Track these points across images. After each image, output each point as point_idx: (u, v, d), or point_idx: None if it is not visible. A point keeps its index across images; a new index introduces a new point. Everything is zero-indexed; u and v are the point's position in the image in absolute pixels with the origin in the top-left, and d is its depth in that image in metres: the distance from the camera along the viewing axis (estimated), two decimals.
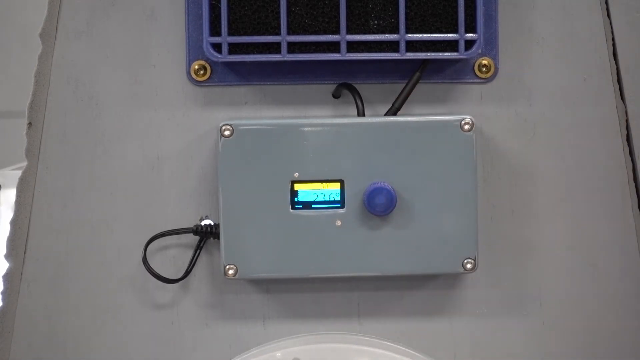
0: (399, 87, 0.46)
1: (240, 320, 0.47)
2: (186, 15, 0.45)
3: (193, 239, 0.46)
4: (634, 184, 0.47)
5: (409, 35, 0.42)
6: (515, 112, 0.47)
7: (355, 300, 0.48)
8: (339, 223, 0.43)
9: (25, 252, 0.46)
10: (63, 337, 0.47)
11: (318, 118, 0.44)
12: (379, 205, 0.40)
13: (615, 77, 0.48)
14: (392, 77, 0.47)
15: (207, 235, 0.45)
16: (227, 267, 0.42)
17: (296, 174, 0.42)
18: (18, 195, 0.45)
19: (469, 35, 0.43)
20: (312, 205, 0.42)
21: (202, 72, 0.46)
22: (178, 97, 0.46)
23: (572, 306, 0.48)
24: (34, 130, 0.45)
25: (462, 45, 0.43)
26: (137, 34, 0.45)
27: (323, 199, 0.42)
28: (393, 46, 0.42)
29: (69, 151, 0.46)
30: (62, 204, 0.46)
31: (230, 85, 0.47)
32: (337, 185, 0.42)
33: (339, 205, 0.42)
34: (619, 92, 0.47)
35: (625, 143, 0.47)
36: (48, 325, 0.46)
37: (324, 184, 0.42)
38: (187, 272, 0.45)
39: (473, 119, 0.42)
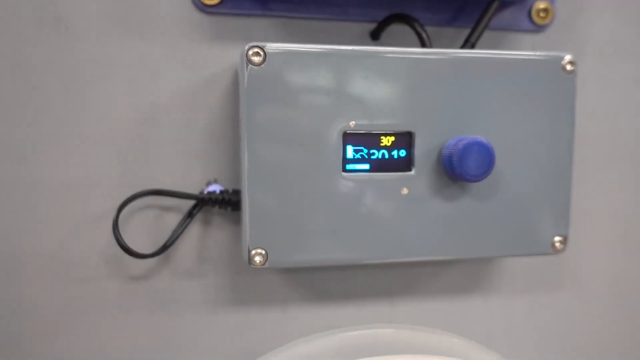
0: (445, 31, 0.35)
1: (249, 306, 0.34)
2: None
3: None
4: None
5: None
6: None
7: (387, 280, 0.35)
8: (405, 191, 0.30)
9: None
10: (22, 332, 0.32)
11: (382, 47, 0.30)
12: (475, 167, 0.26)
13: None
14: (441, 20, 0.35)
15: (213, 203, 0.32)
16: (254, 252, 0.28)
17: (352, 122, 0.29)
18: None
19: None
20: (367, 166, 0.30)
21: None
22: (180, 27, 0.32)
23: (611, 282, 0.39)
24: None
25: None
26: None
27: (385, 158, 0.30)
28: None
29: (28, 91, 0.31)
30: (16, 161, 0.31)
31: (247, 15, 0.34)
32: (403, 140, 0.30)
33: (406, 168, 0.30)
34: None
35: None
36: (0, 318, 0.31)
37: (387, 137, 0.30)
38: (166, 247, 0.31)
39: (576, 62, 0.31)
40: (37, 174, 0.30)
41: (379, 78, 0.27)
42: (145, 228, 0.32)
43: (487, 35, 0.33)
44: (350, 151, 0.27)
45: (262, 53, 0.26)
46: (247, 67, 0.26)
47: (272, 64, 0.26)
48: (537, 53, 0.29)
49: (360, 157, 0.28)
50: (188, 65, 0.31)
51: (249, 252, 0.27)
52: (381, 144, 0.28)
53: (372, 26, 0.33)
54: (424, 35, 0.30)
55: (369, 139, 0.28)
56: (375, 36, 0.33)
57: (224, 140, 0.32)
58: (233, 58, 0.32)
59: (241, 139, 0.27)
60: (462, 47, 0.31)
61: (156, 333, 0.33)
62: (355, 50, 0.27)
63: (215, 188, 0.32)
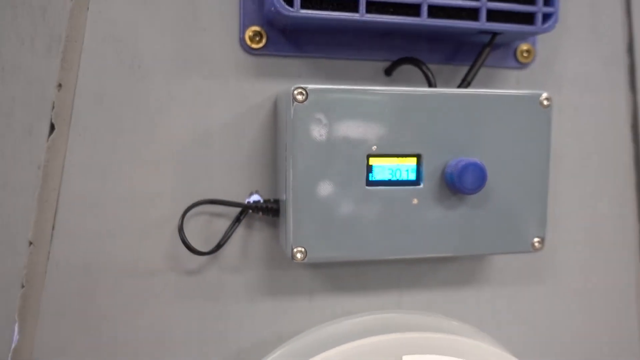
0: (450, 69, 0.42)
1: (283, 295, 0.40)
2: None
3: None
4: (634, 166, 0.45)
5: (490, 3, 0.38)
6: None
7: (396, 274, 0.42)
8: (415, 201, 0.37)
9: (53, 229, 0.37)
10: (97, 319, 0.38)
11: (398, 87, 0.37)
12: (471, 182, 0.33)
13: (629, 71, 0.46)
14: (441, 58, 0.42)
15: (256, 210, 0.38)
16: (296, 250, 0.35)
17: (374, 147, 0.36)
18: (45, 165, 0.37)
19: (547, 9, 0.39)
20: (386, 180, 0.36)
21: (257, 38, 0.39)
22: (229, 66, 0.39)
23: (581, 276, 0.46)
24: (64, 93, 0.37)
25: (539, 18, 0.39)
26: None
27: (400, 175, 0.37)
28: (471, 15, 0.38)
29: (107, 118, 0.37)
30: (97, 176, 0.38)
31: (284, 56, 0.40)
32: (413, 161, 0.37)
33: (415, 182, 0.37)
34: (630, 84, 0.46)
35: (631, 130, 0.45)
36: (79, 306, 0.37)
37: (401, 158, 0.37)
38: (219, 246, 0.37)
39: (551, 98, 0.38)
40: (115, 187, 0.36)
41: (395, 112, 0.34)
42: (199, 230, 0.38)
43: (480, 71, 0.40)
44: (372, 169, 0.34)
45: (304, 93, 0.32)
46: (292, 104, 0.32)
47: (312, 101, 0.33)
48: (520, 91, 0.36)
49: (380, 174, 0.34)
50: (235, 97, 0.38)
51: (292, 250, 0.33)
52: (397, 164, 0.34)
53: (385, 64, 0.40)
54: (429, 75, 0.37)
55: (387, 160, 0.34)
56: (388, 73, 0.40)
57: (263, 158, 0.38)
58: (272, 91, 0.38)
59: (286, 159, 0.33)
60: (460, 85, 0.38)
61: (206, 317, 0.39)
62: (376, 90, 0.34)
63: (256, 198, 0.38)
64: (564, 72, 0.44)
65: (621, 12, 0.44)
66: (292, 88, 0.32)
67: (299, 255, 0.33)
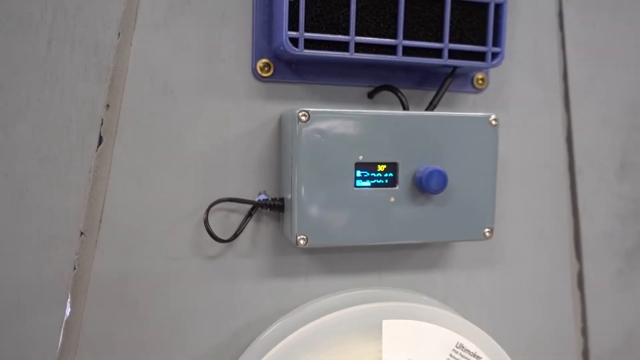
0: (419, 93, 0.51)
1: (278, 276, 0.48)
2: (253, 18, 0.46)
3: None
4: (569, 172, 0.56)
5: (451, 45, 0.47)
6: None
7: (377, 259, 0.50)
8: (392, 199, 0.46)
9: (100, 222, 0.45)
10: (136, 294, 0.45)
11: (379, 110, 0.46)
12: (436, 184, 0.44)
13: (564, 94, 0.57)
14: (413, 84, 0.52)
15: (264, 207, 0.47)
16: (299, 237, 0.44)
17: (360, 157, 0.45)
18: (95, 170, 0.45)
19: (494, 49, 0.48)
20: (370, 182, 0.45)
21: (266, 69, 0.48)
22: (243, 90, 0.48)
23: (526, 261, 0.55)
24: (111, 112, 0.45)
25: (489, 56, 0.48)
26: (209, 32, 0.46)
27: (380, 179, 0.46)
28: (436, 53, 0.47)
29: (144, 132, 0.46)
30: (136, 179, 0.46)
31: (287, 82, 0.49)
32: (391, 168, 0.46)
33: (392, 185, 0.46)
34: (565, 105, 0.57)
35: (566, 142, 0.55)
36: (120, 285, 0.44)
37: (381, 165, 0.46)
38: (235, 235, 0.46)
39: (498, 119, 0.48)
40: (150, 188, 0.45)
41: (376, 129, 0.43)
42: (217, 223, 0.46)
43: (443, 96, 0.49)
44: (359, 174, 0.43)
45: (307, 115, 0.41)
46: (297, 123, 0.41)
47: (313, 121, 0.42)
48: (473, 113, 0.45)
49: (365, 178, 0.43)
50: (247, 116, 0.46)
51: (297, 237, 0.42)
52: (378, 170, 0.43)
53: (369, 89, 0.49)
54: (403, 99, 0.46)
55: (371, 167, 0.43)
56: (370, 96, 0.49)
57: (270, 165, 0.47)
58: (277, 111, 0.47)
59: (292, 166, 0.42)
60: (427, 108, 0.47)
61: (222, 294, 0.47)
62: (361, 112, 0.43)
63: (264, 197, 0.47)
64: (512, 95, 0.53)
65: (557, 47, 0.54)
66: (297, 111, 0.41)
67: (301, 242, 0.42)
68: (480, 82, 0.52)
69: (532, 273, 0.55)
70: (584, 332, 0.57)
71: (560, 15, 0.54)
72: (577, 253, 0.57)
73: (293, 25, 0.42)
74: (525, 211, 0.54)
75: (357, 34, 0.43)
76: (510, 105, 0.53)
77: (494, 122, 0.46)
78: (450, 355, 0.45)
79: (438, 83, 0.49)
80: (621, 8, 0.56)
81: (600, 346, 0.58)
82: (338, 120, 0.42)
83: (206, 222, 0.44)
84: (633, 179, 0.57)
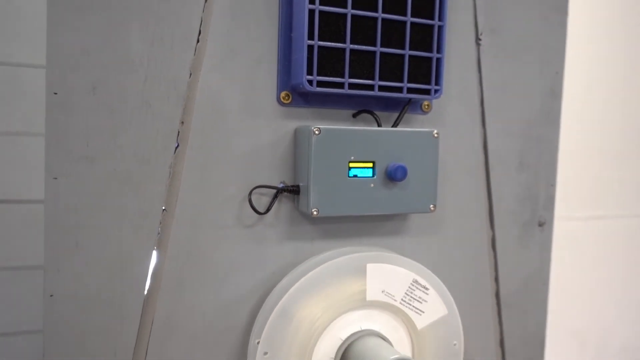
0: (388, 114, 0.75)
1: (294, 240, 0.71)
2: (278, 64, 0.67)
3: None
4: (485, 168, 0.81)
5: (408, 84, 0.70)
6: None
7: (360, 227, 0.72)
8: (372, 185, 0.68)
9: (176, 201, 0.64)
10: (198, 251, 0.64)
11: (364, 127, 0.69)
12: (400, 175, 0.67)
13: (481, 116, 0.82)
14: (386, 109, 0.75)
15: (286, 190, 0.69)
16: (313, 209, 0.65)
17: (352, 157, 0.67)
18: (173, 166, 0.64)
19: (436, 87, 0.72)
20: (358, 175, 0.68)
21: (286, 98, 0.70)
22: (271, 112, 0.69)
23: (457, 228, 0.81)
24: (185, 126, 0.65)
25: (433, 91, 0.72)
26: (249, 72, 0.67)
27: (364, 172, 0.68)
28: (398, 90, 0.71)
29: (206, 140, 0.65)
30: (200, 172, 0.66)
31: (300, 106, 0.71)
32: (371, 165, 0.69)
33: (371, 175, 0.69)
34: (482, 122, 0.82)
35: (483, 148, 0.81)
36: (189, 244, 0.64)
37: (365, 163, 0.68)
38: (268, 210, 0.67)
39: (439, 133, 0.72)
40: (209, 178, 0.65)
41: (362, 140, 0.66)
42: (254, 201, 0.68)
43: (404, 117, 0.73)
44: (351, 169, 0.66)
45: (319, 130, 0.63)
46: (312, 136, 0.63)
47: (323, 134, 0.64)
48: (422, 129, 0.69)
49: (355, 171, 0.66)
50: (273, 129, 0.68)
51: (311, 209, 0.64)
52: (363, 166, 0.66)
53: (354, 111, 0.72)
54: (378, 119, 0.69)
55: (358, 164, 0.66)
56: (354, 116, 0.72)
57: (287, 162, 0.68)
58: (293, 126, 0.69)
59: (309, 164, 0.64)
60: (393, 125, 0.70)
61: (255, 252, 0.68)
62: (353, 128, 0.65)
63: (282, 185, 0.68)
64: (447, 116, 0.78)
65: (477, 84, 0.79)
66: (312, 127, 0.63)
67: (314, 212, 0.64)
68: (426, 107, 0.76)
69: (461, 237, 0.80)
70: (496, 279, 0.82)
71: (479, 62, 0.78)
72: (491, 224, 0.82)
73: (309, 70, 0.63)
74: (456, 194, 0.79)
75: (350, 77, 0.65)
76: (446, 123, 0.77)
77: (435, 135, 0.69)
78: (409, 287, 0.68)
79: (400, 108, 0.73)
80: (519, 58, 0.81)
81: (507, 288, 0.83)
82: (338, 133, 0.64)
83: (250, 200, 0.65)
84: (526, 173, 0.83)
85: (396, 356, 0.60)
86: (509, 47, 0.79)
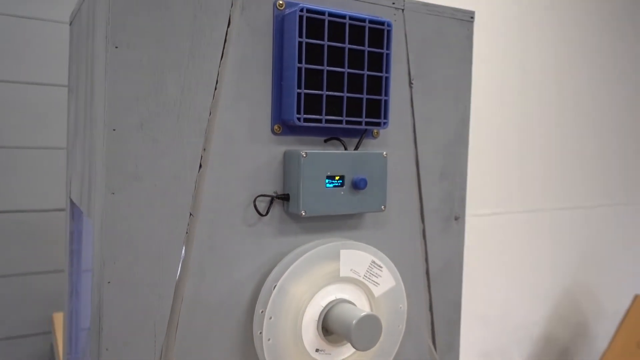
0: (349, 140, 1.00)
1: (285, 235, 0.94)
2: (272, 104, 0.91)
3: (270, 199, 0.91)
4: (417, 178, 1.10)
5: (366, 119, 0.96)
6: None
7: (331, 224, 0.99)
8: (342, 192, 0.93)
9: (199, 209, 0.85)
10: (215, 243, 0.86)
11: (336, 151, 0.93)
12: (363, 185, 0.92)
13: (414, 138, 1.10)
14: (348, 136, 1.00)
15: (278, 197, 0.91)
16: (302, 211, 0.88)
17: (328, 172, 0.91)
18: (197, 182, 0.85)
19: (384, 120, 0.98)
20: (332, 185, 0.92)
21: (278, 129, 0.92)
22: (266, 140, 0.90)
23: (398, 223, 1.09)
24: (206, 152, 0.86)
25: (382, 123, 0.98)
26: (252, 111, 0.88)
27: (336, 182, 0.93)
28: (359, 123, 0.96)
29: (222, 161, 0.86)
30: (216, 186, 0.87)
31: (287, 135, 0.94)
32: (341, 177, 0.93)
33: (341, 185, 0.93)
34: (415, 143, 1.10)
35: (415, 163, 1.10)
36: (208, 237, 0.87)
37: (337, 176, 0.92)
38: (267, 212, 0.90)
39: (387, 153, 0.98)
40: (223, 190, 0.87)
41: (333, 160, 0.91)
42: (252, 206, 0.90)
43: (362, 142, 0.98)
44: (327, 180, 0.90)
45: (306, 153, 0.88)
46: (301, 158, 0.87)
47: (309, 156, 0.88)
48: (375, 151, 0.95)
49: (330, 182, 0.91)
50: (268, 152, 0.91)
51: (301, 210, 0.88)
52: (335, 178, 0.91)
53: (325, 138, 0.96)
54: (344, 144, 0.95)
55: (332, 177, 0.91)
56: (326, 142, 0.96)
57: (279, 176, 0.91)
58: (282, 150, 0.92)
59: (299, 179, 0.88)
60: (355, 149, 0.96)
61: (255, 244, 0.91)
62: (329, 152, 0.90)
63: (276, 193, 0.92)
64: (390, 140, 1.04)
65: (410, 116, 1.06)
66: (301, 152, 0.87)
67: (303, 213, 0.88)
68: (376, 134, 1.02)
69: (402, 229, 1.07)
70: (426, 260, 1.10)
71: (412, 100, 1.06)
72: (422, 219, 1.09)
73: (298, 110, 0.87)
74: (398, 197, 1.06)
75: (326, 114, 0.90)
76: (389, 145, 1.04)
77: (385, 155, 0.96)
78: (368, 266, 0.94)
79: (359, 135, 0.98)
80: (440, 96, 1.10)
81: (434, 267, 1.11)
82: (318, 155, 0.89)
83: (255, 205, 0.88)
84: (446, 181, 1.12)
85: (365, 313, 0.85)
86: (432, 88, 1.08)
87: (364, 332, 0.83)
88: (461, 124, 1.12)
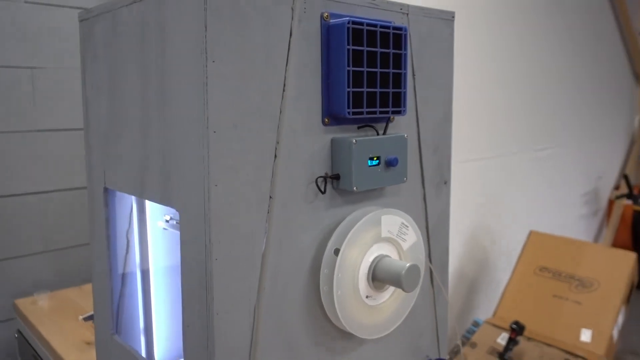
0: (377, 125, 1.20)
1: (334, 207, 1.14)
2: (322, 100, 1.08)
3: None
4: (419, 158, 1.34)
5: (392, 108, 1.16)
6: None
7: (370, 195, 1.20)
8: (379, 170, 1.13)
9: (276, 189, 1.02)
10: (281, 216, 1.05)
11: (373, 136, 1.14)
12: (395, 162, 1.14)
13: (416, 123, 1.33)
14: (375, 122, 1.20)
15: (331, 177, 1.10)
16: (355, 187, 1.08)
17: (370, 154, 1.11)
18: (274, 167, 1.01)
19: (404, 108, 1.20)
20: (372, 164, 1.12)
21: (327, 120, 1.09)
22: (318, 130, 1.08)
23: (414, 189, 1.33)
24: (278, 144, 1.01)
25: (403, 111, 1.19)
26: (309, 106, 1.04)
27: (374, 162, 1.13)
28: (387, 112, 1.16)
29: (288, 152, 1.03)
30: (287, 172, 1.03)
31: (333, 126, 1.11)
32: (378, 157, 1.13)
33: (378, 164, 1.13)
34: (417, 125, 1.33)
35: (417, 143, 1.34)
36: (284, 212, 1.04)
37: (375, 157, 1.13)
38: (324, 190, 1.09)
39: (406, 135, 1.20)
40: (294, 172, 1.05)
41: (374, 144, 1.12)
42: (314, 185, 1.09)
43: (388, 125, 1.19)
44: (369, 161, 1.12)
45: (356, 140, 1.08)
46: (352, 144, 1.07)
47: (358, 142, 1.08)
48: (399, 134, 1.18)
49: (371, 162, 1.12)
50: (319, 140, 1.08)
51: (354, 186, 1.08)
52: (374, 159, 1.12)
53: (359, 125, 1.16)
54: (377, 129, 1.16)
55: (372, 158, 1.12)
56: (359, 128, 1.16)
57: (327, 162, 1.11)
58: (330, 137, 1.11)
59: (351, 163, 1.08)
60: (383, 133, 1.18)
61: (315, 216, 1.09)
62: (370, 138, 1.11)
63: (327, 174, 1.11)
64: (401, 123, 1.26)
65: (414, 100, 1.29)
66: (352, 139, 1.07)
67: (355, 188, 1.09)
68: (392, 119, 1.23)
69: (411, 195, 1.31)
70: (426, 217, 1.36)
71: (414, 89, 1.28)
72: (423, 185, 1.34)
73: (347, 105, 1.06)
74: (409, 169, 1.29)
75: (366, 107, 1.10)
76: (401, 127, 1.26)
77: (405, 137, 1.19)
78: (400, 226, 1.17)
79: (383, 121, 1.19)
80: (433, 84, 1.33)
81: (431, 222, 1.37)
82: (364, 141, 1.09)
83: (317, 184, 1.06)
84: (438, 154, 1.36)
85: (409, 264, 1.09)
86: (428, 77, 1.31)
87: (410, 278, 1.07)
88: (447, 104, 1.37)
